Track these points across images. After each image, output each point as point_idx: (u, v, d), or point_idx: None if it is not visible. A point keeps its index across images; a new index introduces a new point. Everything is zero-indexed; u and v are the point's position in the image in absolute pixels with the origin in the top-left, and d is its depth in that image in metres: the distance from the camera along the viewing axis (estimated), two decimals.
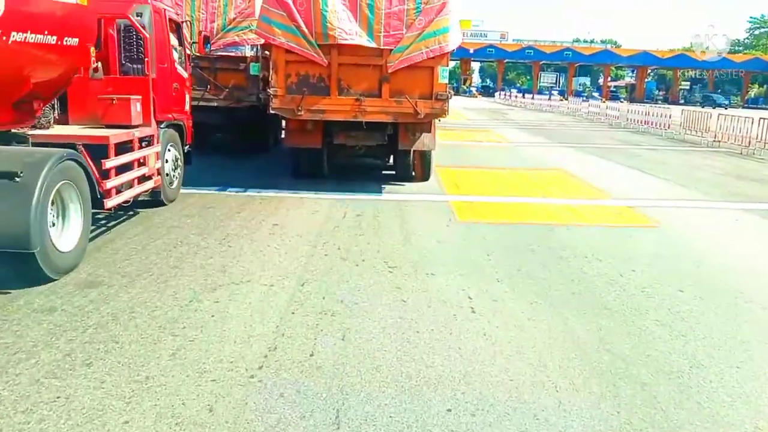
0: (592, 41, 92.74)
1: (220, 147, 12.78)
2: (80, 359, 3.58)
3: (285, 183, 9.44)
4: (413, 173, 10.15)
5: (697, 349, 4.04)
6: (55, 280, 4.77)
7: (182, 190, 8.22)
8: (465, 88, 75.41)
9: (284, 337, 3.96)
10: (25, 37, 4.91)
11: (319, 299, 4.66)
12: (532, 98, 53.01)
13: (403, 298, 4.73)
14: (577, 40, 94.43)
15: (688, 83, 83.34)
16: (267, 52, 11.06)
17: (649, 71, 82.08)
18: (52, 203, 4.87)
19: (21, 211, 4.48)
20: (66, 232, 5.10)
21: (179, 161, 8.07)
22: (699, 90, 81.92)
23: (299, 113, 8.68)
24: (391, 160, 10.67)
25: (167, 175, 7.60)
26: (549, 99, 49.32)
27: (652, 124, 23.86)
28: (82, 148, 5.57)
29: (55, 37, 5.32)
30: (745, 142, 17.25)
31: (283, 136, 12.16)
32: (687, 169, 13.23)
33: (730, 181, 11.71)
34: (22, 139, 5.73)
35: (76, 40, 5.68)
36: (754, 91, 79.88)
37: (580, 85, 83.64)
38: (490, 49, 74.63)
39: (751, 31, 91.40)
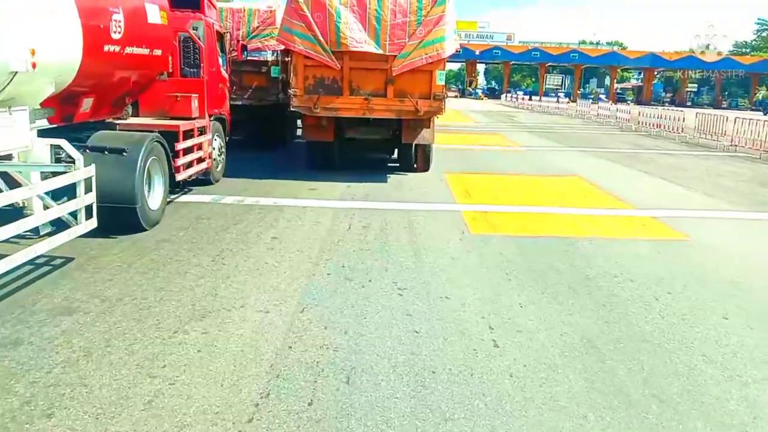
0: (598, 43, 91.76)
1: (241, 141, 12.93)
2: (40, 408, 3.06)
3: (290, 182, 9.17)
4: (415, 165, 11.34)
5: (759, 394, 3.48)
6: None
7: (178, 199, 8.11)
8: (471, 90, 74.84)
9: (279, 380, 3.42)
10: (133, 50, 6.45)
11: (321, 329, 4.12)
12: (540, 100, 52.39)
13: (416, 329, 4.18)
14: (584, 42, 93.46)
15: (695, 85, 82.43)
16: (286, 57, 12.23)
17: (656, 73, 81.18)
18: (146, 173, 6.32)
19: (128, 177, 6.06)
20: (153, 196, 6.63)
21: (223, 149, 9.62)
22: (707, 92, 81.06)
23: (316, 110, 9.99)
24: (395, 154, 12.02)
25: (214, 160, 9.02)
26: (557, 101, 48.69)
27: (664, 128, 23.27)
28: (158, 134, 6.75)
29: (149, 50, 6.89)
30: (764, 146, 16.64)
31: (298, 133, 14.29)
32: (708, 176, 12.63)
33: (755, 189, 11.11)
34: (112, 127, 7.02)
35: (160, 51, 7.27)
36: (761, 93, 78.98)
37: (587, 87, 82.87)
38: (496, 51, 73.98)
39: (758, 33, 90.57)
